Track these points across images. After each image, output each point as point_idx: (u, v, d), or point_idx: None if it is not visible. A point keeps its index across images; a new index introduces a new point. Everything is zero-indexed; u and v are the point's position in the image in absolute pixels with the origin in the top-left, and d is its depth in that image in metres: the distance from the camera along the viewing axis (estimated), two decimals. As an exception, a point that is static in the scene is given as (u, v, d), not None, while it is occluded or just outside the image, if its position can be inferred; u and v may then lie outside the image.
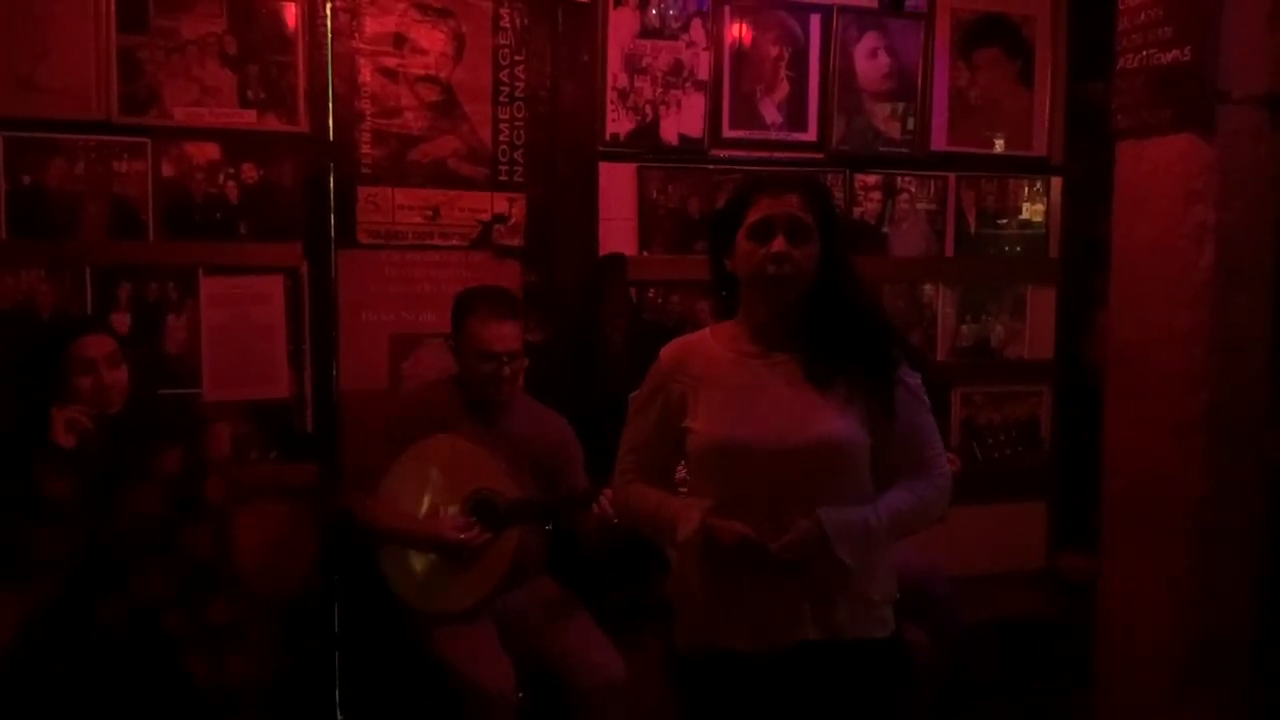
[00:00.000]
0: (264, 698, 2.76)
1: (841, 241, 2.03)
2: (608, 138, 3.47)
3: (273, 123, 3.17)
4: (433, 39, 3.30)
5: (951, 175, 3.83)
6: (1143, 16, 2.61)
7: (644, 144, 3.51)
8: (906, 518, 2.00)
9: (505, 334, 2.86)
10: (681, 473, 2.16)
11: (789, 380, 1.98)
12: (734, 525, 1.92)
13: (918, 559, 2.85)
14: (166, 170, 3.10)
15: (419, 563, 2.84)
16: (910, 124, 3.76)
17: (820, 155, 3.68)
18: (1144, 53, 2.60)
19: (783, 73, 3.62)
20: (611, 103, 3.46)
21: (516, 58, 3.38)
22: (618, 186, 3.50)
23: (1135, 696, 2.67)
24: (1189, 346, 2.53)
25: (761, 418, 1.96)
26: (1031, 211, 3.94)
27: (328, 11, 3.20)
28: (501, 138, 3.39)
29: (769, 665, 1.97)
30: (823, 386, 1.96)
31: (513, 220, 3.40)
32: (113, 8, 3.01)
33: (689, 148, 3.55)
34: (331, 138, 3.23)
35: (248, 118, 3.16)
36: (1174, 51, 2.52)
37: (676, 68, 3.51)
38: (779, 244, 1.94)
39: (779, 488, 1.94)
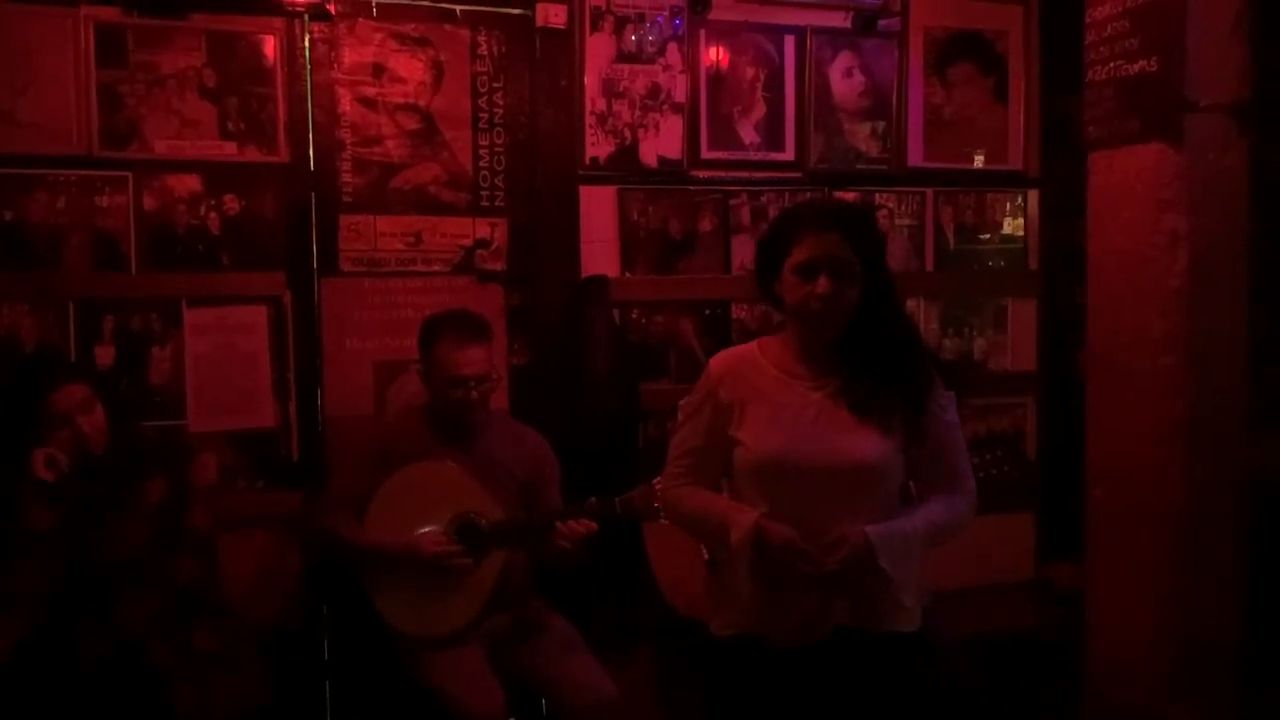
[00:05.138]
0: (253, 726, 2.74)
1: (884, 270, 2.09)
2: (587, 161, 3.49)
3: (253, 153, 3.20)
4: (411, 68, 3.33)
5: (929, 191, 3.87)
6: (1110, 29, 2.65)
7: (624, 166, 3.53)
8: (941, 529, 2.09)
9: (472, 358, 2.85)
10: (724, 489, 2.23)
11: (830, 403, 2.06)
12: (784, 530, 2.00)
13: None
14: (148, 203, 3.12)
15: (406, 588, 2.83)
16: (887, 141, 3.80)
17: (798, 174, 3.71)
18: (1112, 64, 2.64)
19: (759, 94, 3.66)
20: (590, 126, 3.49)
21: (495, 84, 3.41)
22: (598, 209, 3.52)
23: (1122, 703, 2.67)
24: (1164, 353, 2.55)
25: (802, 438, 2.04)
26: (1010, 225, 3.98)
27: (306, 43, 3.23)
28: (482, 163, 3.41)
29: (800, 654, 2.05)
30: (861, 411, 2.04)
31: (495, 245, 3.42)
32: (92, 43, 3.04)
33: (668, 169, 3.57)
34: (312, 167, 3.25)
35: (228, 149, 3.18)
36: (1141, 62, 2.56)
37: (654, 91, 3.54)
38: (823, 285, 2.00)
39: (816, 505, 2.01)
